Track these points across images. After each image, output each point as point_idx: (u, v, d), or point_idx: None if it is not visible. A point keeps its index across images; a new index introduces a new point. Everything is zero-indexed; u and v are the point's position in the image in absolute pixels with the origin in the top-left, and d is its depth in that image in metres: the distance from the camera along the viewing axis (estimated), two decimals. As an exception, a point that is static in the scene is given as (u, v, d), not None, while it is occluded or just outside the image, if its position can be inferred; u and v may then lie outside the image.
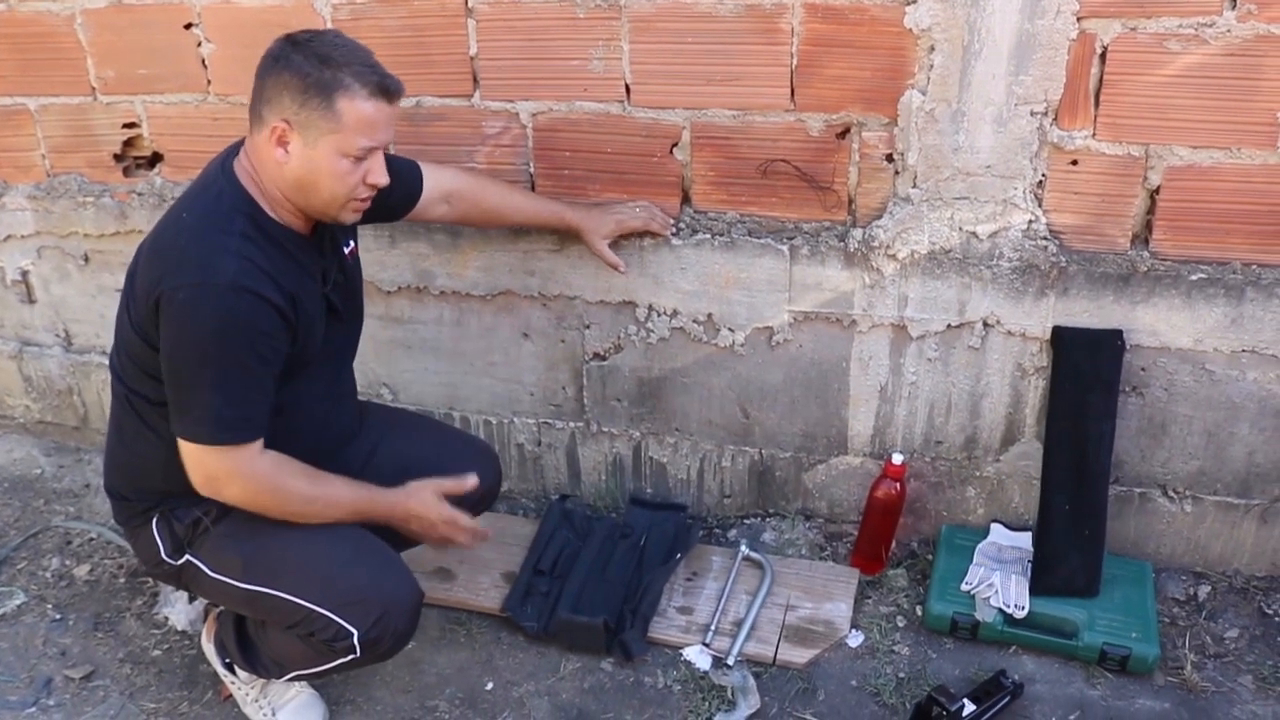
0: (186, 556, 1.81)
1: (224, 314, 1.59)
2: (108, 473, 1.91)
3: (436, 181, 2.07)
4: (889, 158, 2.05)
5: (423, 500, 1.84)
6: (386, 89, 1.62)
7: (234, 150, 1.74)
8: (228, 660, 1.99)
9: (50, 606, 2.36)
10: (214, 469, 1.67)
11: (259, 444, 1.68)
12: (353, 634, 1.71)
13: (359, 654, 1.74)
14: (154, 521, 1.82)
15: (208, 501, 1.77)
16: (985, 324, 2.12)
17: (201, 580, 1.82)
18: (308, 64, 1.58)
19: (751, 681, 2.03)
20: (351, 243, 1.92)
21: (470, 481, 1.89)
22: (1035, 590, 2.11)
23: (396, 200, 2.03)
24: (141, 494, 1.83)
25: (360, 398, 2.12)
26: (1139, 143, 1.92)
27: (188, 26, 2.33)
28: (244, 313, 1.60)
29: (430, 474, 1.98)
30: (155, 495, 1.82)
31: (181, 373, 1.63)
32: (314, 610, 1.72)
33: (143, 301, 1.64)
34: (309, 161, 1.62)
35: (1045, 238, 2.03)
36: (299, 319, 1.70)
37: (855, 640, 2.14)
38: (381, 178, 1.68)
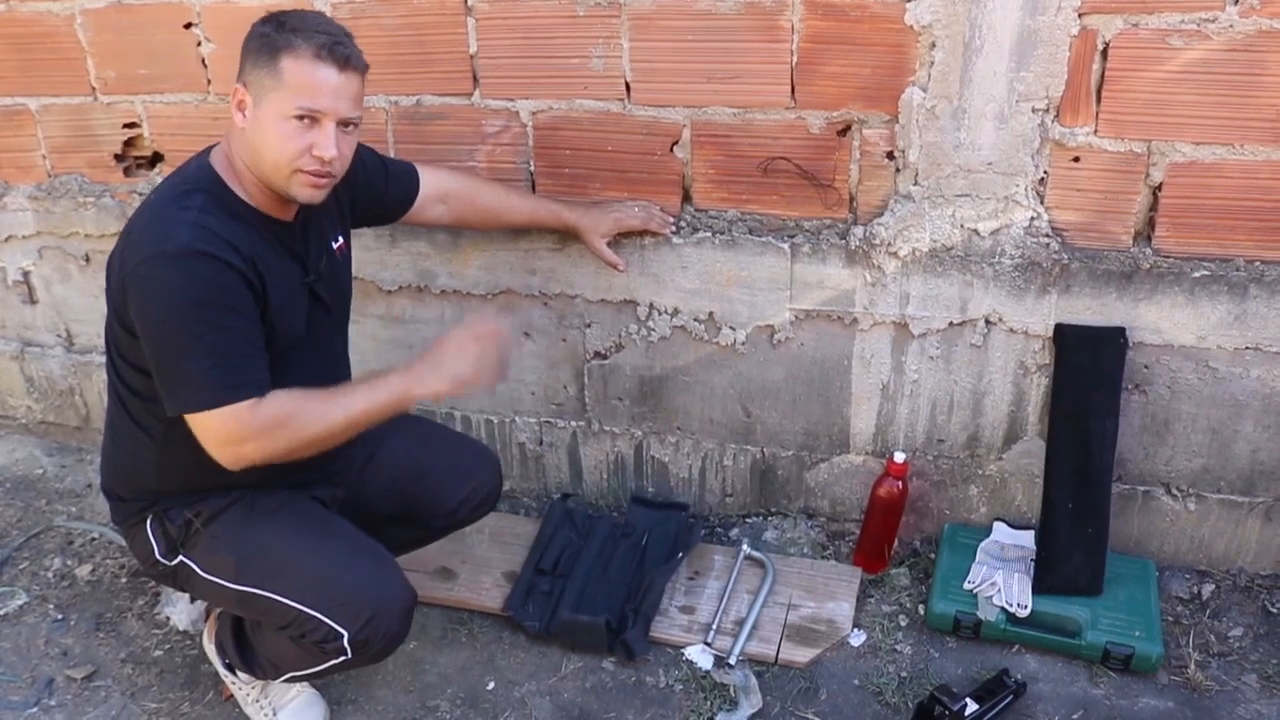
0: (180, 557, 1.81)
1: (185, 279, 1.57)
2: (104, 473, 1.91)
3: (433, 183, 2.07)
4: (890, 155, 2.04)
5: (428, 350, 1.75)
6: (335, 53, 1.60)
7: (217, 143, 1.75)
8: (228, 661, 1.99)
9: (52, 606, 2.36)
10: (224, 435, 1.60)
11: (261, 397, 1.61)
12: (343, 635, 1.71)
13: (349, 655, 1.73)
14: (148, 522, 1.83)
15: (199, 503, 1.77)
16: (987, 322, 2.11)
17: (195, 581, 1.82)
18: (267, 27, 1.61)
19: (753, 681, 2.03)
20: (341, 238, 1.91)
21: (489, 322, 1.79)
22: (1038, 589, 2.10)
23: (393, 201, 2.03)
24: (136, 494, 1.84)
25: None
26: (1141, 139, 1.91)
27: (188, 26, 2.33)
28: (205, 275, 1.57)
29: (430, 478, 1.99)
30: (149, 495, 1.82)
31: (162, 347, 1.60)
32: (304, 611, 1.71)
33: (115, 289, 1.64)
34: (256, 123, 1.62)
35: (1047, 235, 2.02)
36: (268, 291, 1.67)
37: (857, 639, 2.13)
38: (326, 150, 1.62)
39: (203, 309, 1.58)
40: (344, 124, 1.64)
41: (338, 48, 1.60)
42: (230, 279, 1.60)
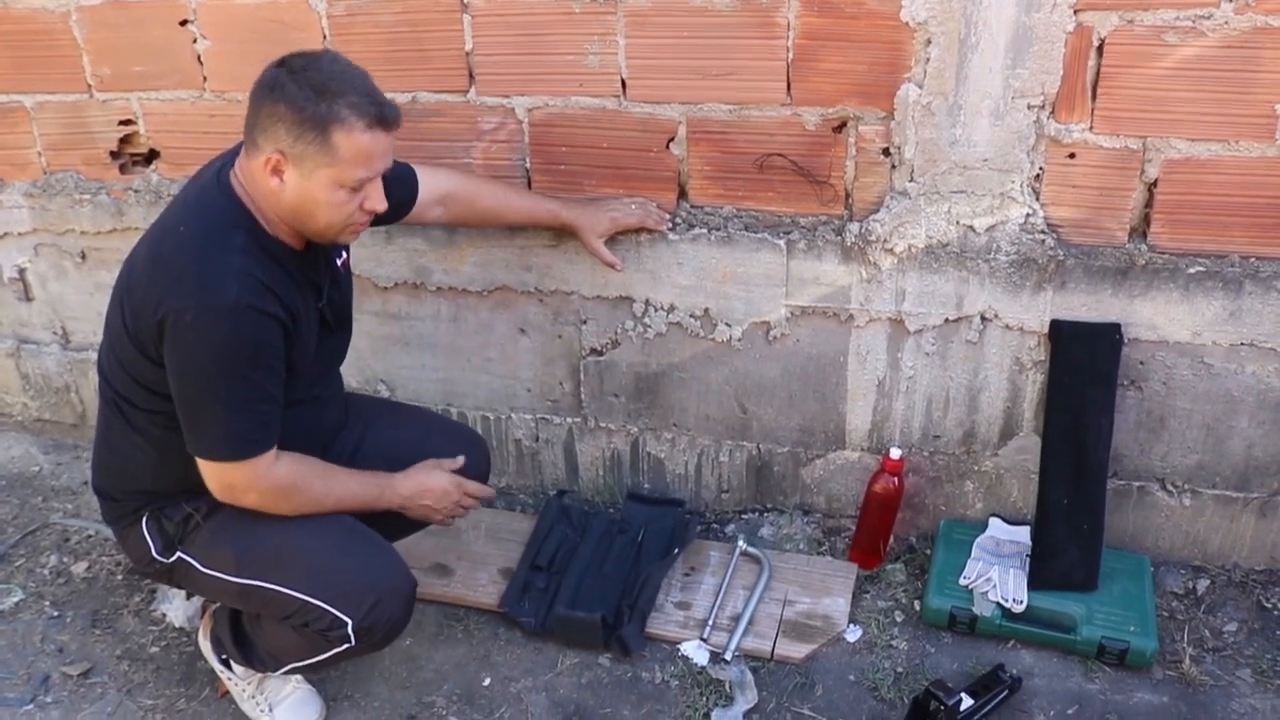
0: (178, 554, 1.81)
1: (231, 334, 1.59)
2: (95, 473, 1.91)
3: (431, 185, 2.07)
4: (886, 152, 2.04)
5: (430, 473, 1.93)
6: (384, 119, 1.60)
7: (229, 160, 1.72)
8: (224, 656, 2.00)
9: (48, 603, 2.36)
10: (231, 481, 1.70)
11: (273, 452, 1.70)
12: (347, 623, 1.72)
13: (354, 643, 1.74)
14: (144, 520, 1.83)
15: (198, 498, 1.77)
16: (983, 318, 2.12)
17: (194, 577, 1.82)
18: (302, 96, 1.55)
19: (749, 676, 2.03)
20: (344, 253, 1.92)
21: (459, 462, 1.99)
22: (1033, 584, 2.10)
23: (392, 205, 2.02)
24: (130, 495, 1.84)
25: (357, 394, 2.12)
26: (1136, 135, 1.92)
27: (183, 23, 2.32)
28: (250, 330, 1.61)
29: (418, 461, 1.99)
30: (143, 496, 1.82)
31: (193, 393, 1.64)
32: (308, 601, 1.72)
33: (145, 317, 1.63)
34: (305, 192, 1.61)
35: (1043, 231, 2.02)
36: (296, 331, 1.71)
37: (853, 635, 2.13)
38: (379, 204, 1.67)
39: (242, 364, 1.62)
40: None
41: (386, 111, 1.60)
42: (272, 334, 1.64)
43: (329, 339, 1.87)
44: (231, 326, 1.59)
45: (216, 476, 1.70)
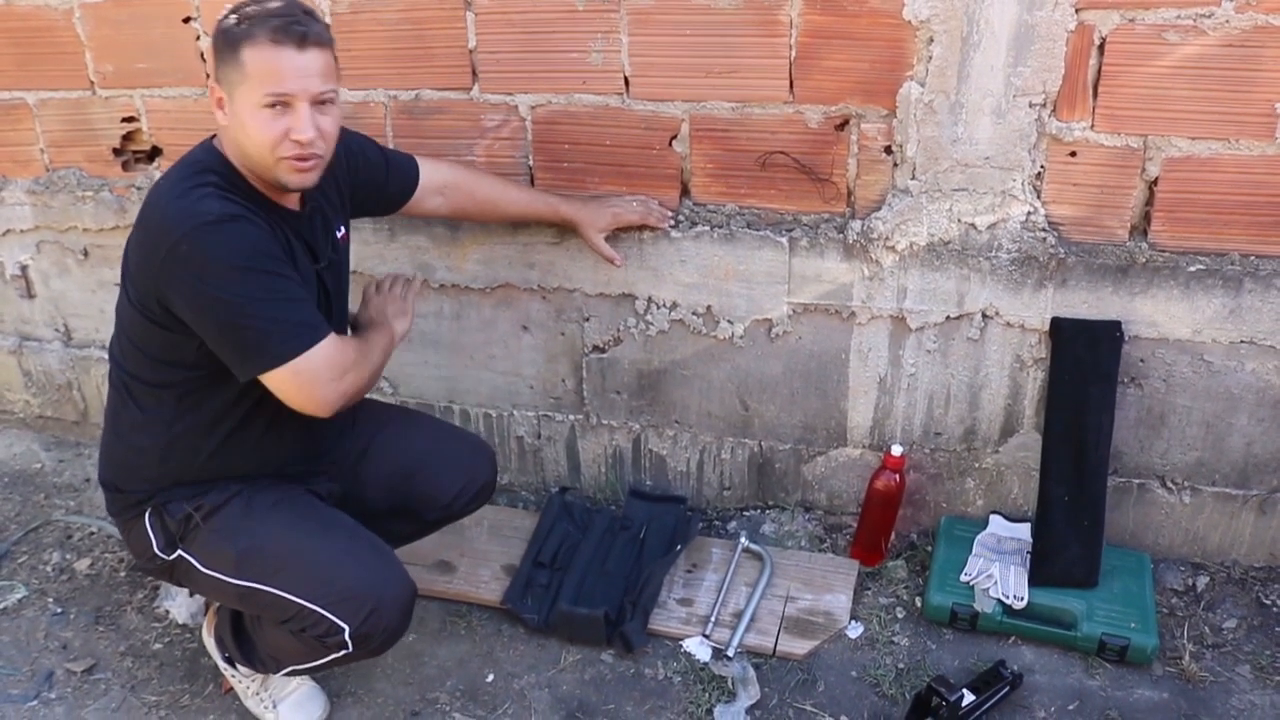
0: (178, 551, 1.81)
1: (232, 241, 1.58)
2: (102, 464, 1.90)
3: (432, 174, 2.08)
4: (888, 149, 2.05)
5: (375, 300, 1.96)
6: (290, 32, 1.57)
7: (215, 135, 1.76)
8: (227, 655, 2.00)
9: (51, 600, 2.36)
10: (331, 367, 1.65)
11: (331, 335, 1.67)
12: (344, 629, 1.71)
13: (350, 649, 1.73)
14: (146, 515, 1.82)
15: (200, 496, 1.78)
16: (984, 315, 2.12)
17: (193, 575, 1.82)
18: (228, 21, 1.60)
19: (751, 672, 2.04)
20: (343, 229, 1.92)
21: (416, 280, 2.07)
22: (1034, 581, 2.11)
23: (392, 192, 2.04)
24: (135, 485, 1.83)
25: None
26: (1137, 134, 1.92)
27: (186, 20, 2.32)
28: (249, 234, 1.60)
29: (425, 471, 1.99)
30: (148, 486, 1.81)
31: (230, 312, 1.60)
32: (305, 606, 1.72)
33: (145, 277, 1.64)
34: (235, 119, 1.63)
35: (1044, 229, 2.03)
36: (294, 261, 1.70)
37: (855, 631, 2.14)
38: (304, 132, 1.60)
39: (260, 262, 1.60)
40: (318, 102, 1.62)
41: (294, 27, 1.58)
42: (268, 240, 1.63)
43: (328, 309, 1.85)
44: (229, 234, 1.58)
45: (308, 379, 1.63)
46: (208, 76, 2.33)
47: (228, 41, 1.59)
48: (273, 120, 1.59)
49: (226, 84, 1.61)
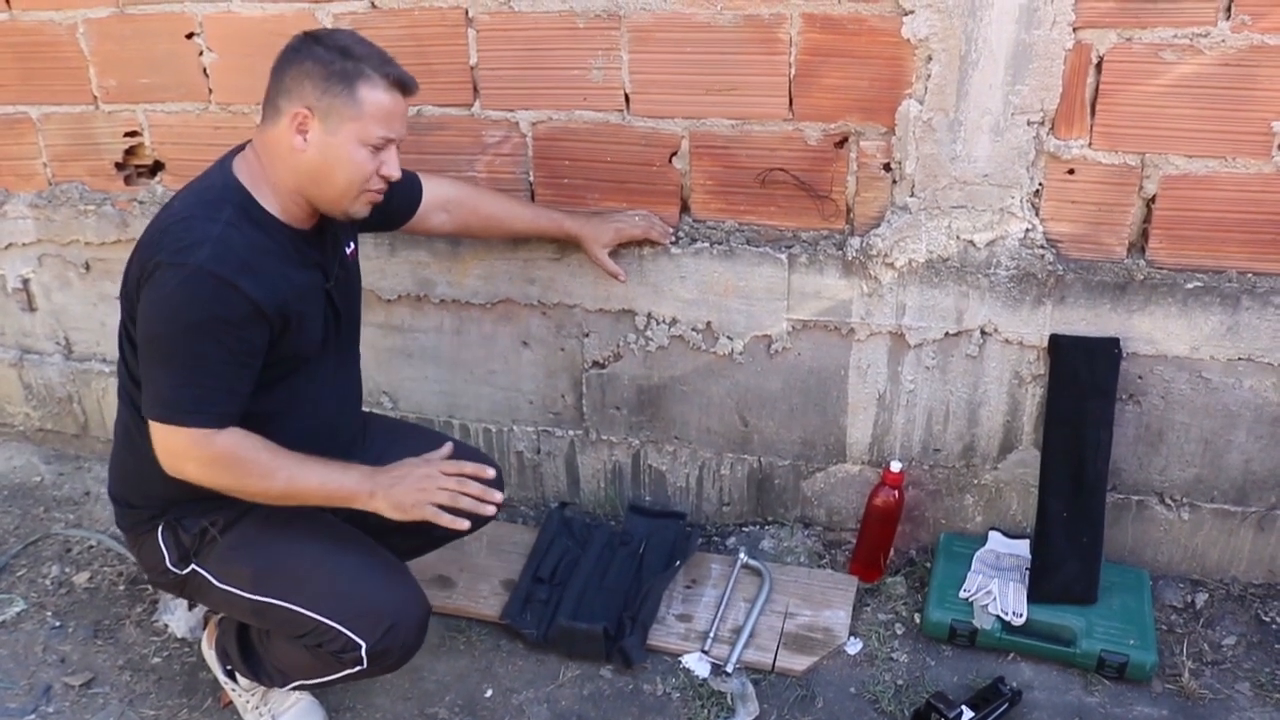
0: (193, 566, 1.81)
1: (188, 297, 1.59)
2: (113, 478, 1.90)
3: (435, 191, 2.09)
4: (887, 167, 2.06)
5: (402, 462, 1.77)
6: (404, 82, 1.67)
7: (234, 152, 1.75)
8: (229, 667, 1.99)
9: (50, 614, 2.36)
10: (168, 444, 1.65)
11: (217, 429, 1.64)
12: (361, 646, 1.71)
13: (366, 665, 1.73)
14: (159, 530, 1.82)
15: (215, 511, 1.77)
16: (983, 332, 2.13)
17: (208, 590, 1.81)
18: (330, 54, 1.62)
19: (750, 689, 2.04)
20: (352, 245, 1.93)
21: (446, 452, 1.84)
22: (1033, 597, 2.11)
23: (396, 208, 2.04)
24: (147, 501, 1.83)
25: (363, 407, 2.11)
26: (1135, 152, 1.94)
27: (189, 36, 2.34)
28: (205, 296, 1.59)
29: None
30: (161, 502, 1.81)
31: (146, 348, 1.64)
32: (323, 622, 1.72)
33: (133, 287, 1.66)
34: (327, 149, 1.64)
35: (1042, 246, 2.04)
36: (289, 313, 1.69)
37: (854, 647, 2.14)
38: (395, 170, 1.71)
39: (191, 331, 1.60)
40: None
41: (405, 76, 1.67)
42: (233, 305, 1.60)
43: (338, 325, 1.86)
44: (190, 289, 1.58)
45: (157, 440, 1.66)
46: (210, 92, 2.38)
47: (339, 76, 1.61)
48: (370, 158, 1.67)
49: (329, 115, 1.62)
